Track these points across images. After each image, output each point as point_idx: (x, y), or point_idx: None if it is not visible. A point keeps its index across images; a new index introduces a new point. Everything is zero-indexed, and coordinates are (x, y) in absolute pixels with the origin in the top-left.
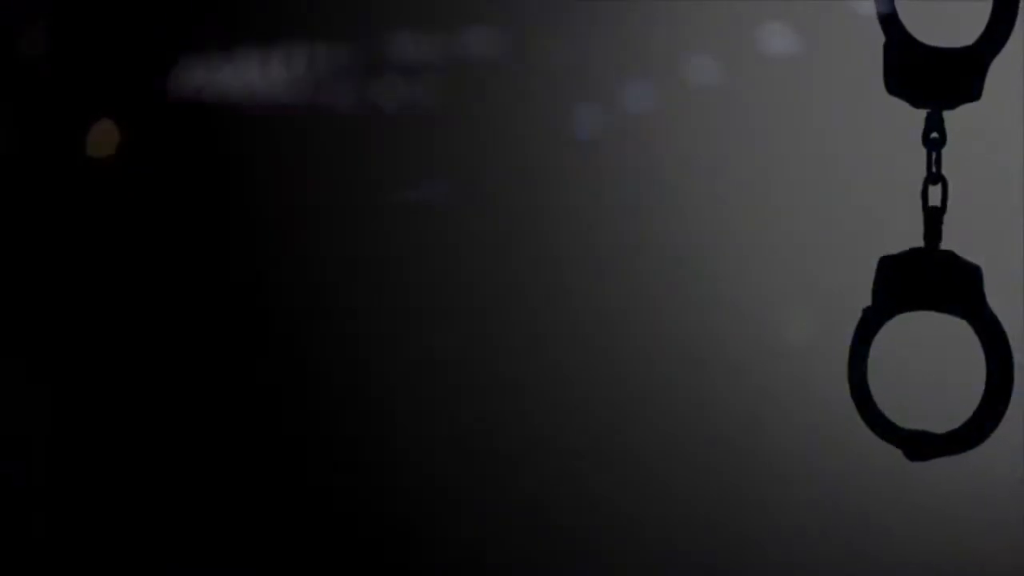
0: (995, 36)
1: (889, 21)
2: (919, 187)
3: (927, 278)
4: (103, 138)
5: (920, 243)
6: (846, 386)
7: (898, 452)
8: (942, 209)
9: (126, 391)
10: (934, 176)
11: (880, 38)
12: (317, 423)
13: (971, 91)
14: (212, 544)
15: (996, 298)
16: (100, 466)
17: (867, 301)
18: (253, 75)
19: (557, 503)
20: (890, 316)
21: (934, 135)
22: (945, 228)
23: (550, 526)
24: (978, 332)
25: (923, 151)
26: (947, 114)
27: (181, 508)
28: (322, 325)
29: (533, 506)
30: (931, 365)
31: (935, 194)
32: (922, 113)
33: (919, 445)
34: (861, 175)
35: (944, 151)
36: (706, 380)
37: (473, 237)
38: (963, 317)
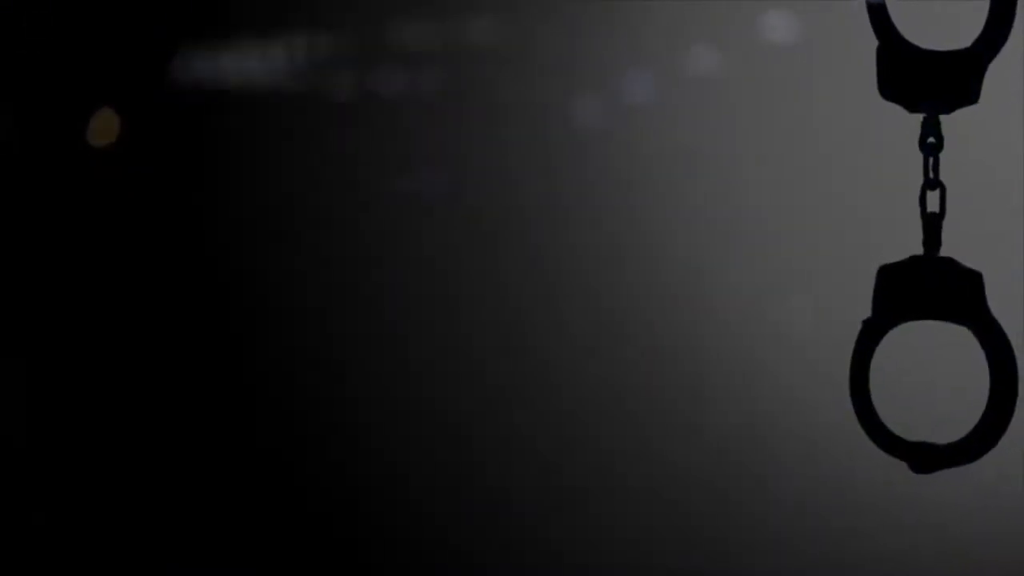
0: (993, 37)
1: (878, 12)
2: (922, 182)
3: (927, 286)
4: (103, 127)
5: (919, 248)
6: (845, 391)
7: (901, 463)
8: (940, 215)
9: (126, 388)
10: (932, 182)
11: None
12: (317, 420)
13: (968, 94)
14: (212, 544)
15: (997, 304)
16: (99, 466)
17: (867, 294)
18: (252, 63)
19: (540, 501)
20: (891, 326)
21: (931, 140)
22: (944, 234)
23: (536, 526)
24: (981, 340)
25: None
26: (944, 118)
27: (180, 508)
28: (320, 317)
29: (523, 504)
30: (933, 374)
31: (933, 200)
32: None
33: (923, 457)
34: (863, 167)
35: (942, 154)
36: (706, 377)
37: (471, 227)
38: (965, 325)
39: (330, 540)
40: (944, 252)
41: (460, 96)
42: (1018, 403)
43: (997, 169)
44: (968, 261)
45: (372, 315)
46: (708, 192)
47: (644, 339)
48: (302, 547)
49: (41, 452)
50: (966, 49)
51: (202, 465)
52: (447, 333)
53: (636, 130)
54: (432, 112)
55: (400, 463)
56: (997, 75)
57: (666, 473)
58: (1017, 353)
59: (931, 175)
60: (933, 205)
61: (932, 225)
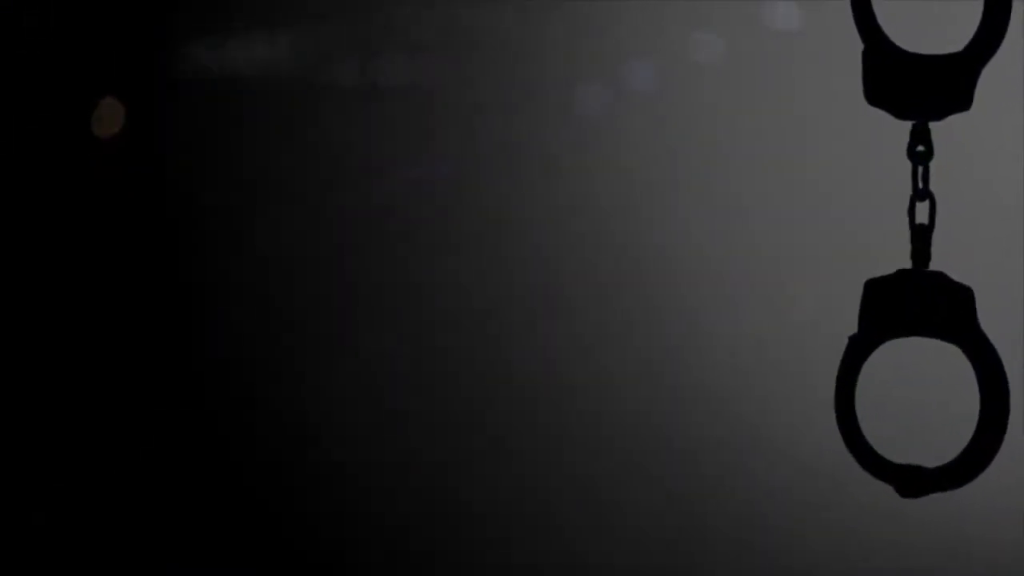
0: (986, 40)
1: (863, 13)
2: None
3: (915, 302)
4: (108, 117)
5: (908, 262)
6: (830, 410)
7: (889, 488)
8: (930, 227)
9: (126, 387)
10: (921, 192)
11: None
12: (319, 419)
13: (960, 101)
14: (212, 544)
15: (991, 320)
16: (100, 466)
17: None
18: (254, 52)
19: (505, 498)
20: (878, 343)
21: (920, 148)
22: (934, 247)
23: (511, 530)
24: (971, 358)
25: (937, 133)
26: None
27: (180, 508)
28: (317, 311)
29: (499, 510)
30: (922, 393)
31: (922, 211)
32: None
33: (911, 481)
34: (862, 166)
35: (932, 163)
36: (688, 387)
37: (473, 216)
38: (955, 342)
39: (327, 540)
40: (934, 266)
41: (462, 85)
42: (1009, 425)
43: (990, 178)
44: (959, 276)
45: (372, 304)
46: (703, 189)
47: (645, 319)
48: (301, 547)
49: (41, 452)
50: (957, 53)
51: (201, 465)
52: (445, 321)
53: (638, 119)
54: (435, 102)
55: (400, 463)
56: (991, 80)
57: (650, 484)
58: (1010, 372)
59: (920, 185)
60: (922, 217)
61: (921, 238)
